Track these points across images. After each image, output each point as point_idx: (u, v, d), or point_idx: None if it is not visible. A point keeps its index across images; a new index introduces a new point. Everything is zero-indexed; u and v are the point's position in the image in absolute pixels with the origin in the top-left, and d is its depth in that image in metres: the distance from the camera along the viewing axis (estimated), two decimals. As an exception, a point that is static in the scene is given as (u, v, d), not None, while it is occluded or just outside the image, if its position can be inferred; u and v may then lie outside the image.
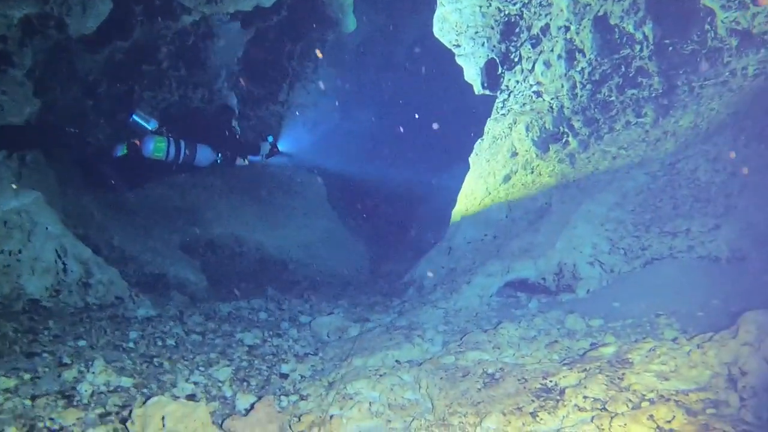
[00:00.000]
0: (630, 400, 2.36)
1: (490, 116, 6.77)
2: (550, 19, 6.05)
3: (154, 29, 7.31)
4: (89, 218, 7.02)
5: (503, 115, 6.55)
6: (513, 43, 6.47)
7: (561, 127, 5.99)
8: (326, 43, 9.24)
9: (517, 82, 6.44)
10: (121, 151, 7.27)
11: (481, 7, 6.33)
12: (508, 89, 6.53)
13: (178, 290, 7.16)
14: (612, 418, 2.26)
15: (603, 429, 2.24)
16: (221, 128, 8.27)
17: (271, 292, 7.90)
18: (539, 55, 6.19)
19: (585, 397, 2.59)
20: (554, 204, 5.54)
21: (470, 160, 6.75)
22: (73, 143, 7.31)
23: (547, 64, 6.07)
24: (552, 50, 6.04)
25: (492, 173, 6.22)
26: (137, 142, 7.15)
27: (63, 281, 4.95)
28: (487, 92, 6.68)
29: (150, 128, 7.35)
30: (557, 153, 5.86)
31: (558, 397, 2.71)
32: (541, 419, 2.59)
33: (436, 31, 6.67)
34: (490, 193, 6.14)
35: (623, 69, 5.87)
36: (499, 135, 6.43)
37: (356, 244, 9.72)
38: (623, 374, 2.60)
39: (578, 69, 5.95)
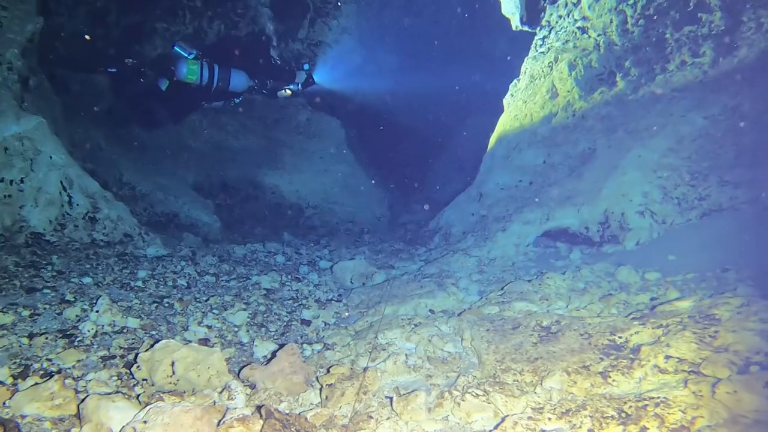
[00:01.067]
0: (733, 363, 1.94)
1: (527, 55, 6.21)
2: (602, -54, 5.41)
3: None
4: (98, 151, 6.59)
5: (542, 53, 5.97)
6: (558, -26, 5.84)
7: (608, 67, 5.42)
8: (350, -23, 8.58)
9: (560, 17, 5.84)
10: (164, 84, 7.13)
11: (524, -69, 5.69)
12: (549, 25, 5.93)
13: (190, 231, 6.79)
14: (714, 384, 1.84)
15: (702, 396, 1.82)
16: (257, 55, 7.91)
17: (287, 237, 7.52)
18: (587, -14, 5.57)
19: (668, 357, 2.17)
20: (599, 149, 5.03)
21: (504, 101, 6.21)
22: (129, 75, 7.21)
23: (596, -3, 5.46)
24: (602, -19, 5.42)
25: (529, 115, 5.69)
26: (173, 68, 6.99)
27: (68, 215, 4.54)
28: (526, 28, 6.08)
29: (189, 57, 7.16)
30: (603, 94, 5.31)
31: (632, 356, 2.29)
32: (614, 380, 2.18)
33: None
34: (526, 137, 5.63)
35: (681, 3, 5.27)
36: (537, 74, 5.87)
37: (375, 191, 9.27)
38: (716, 332, 2.17)
39: (630, 2, 5.34)
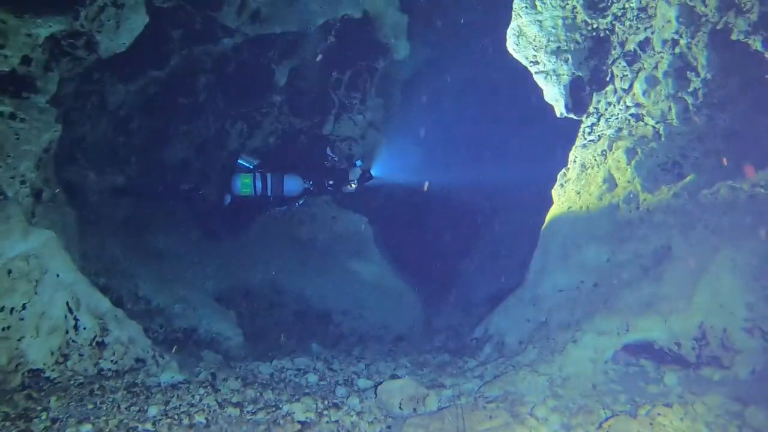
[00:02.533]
0: None
1: (574, 143, 5.73)
2: (652, 33, 5.03)
3: (193, 55, 6.49)
4: (113, 264, 6.07)
5: (592, 141, 5.48)
6: (603, 60, 5.45)
7: (671, 156, 4.89)
8: (376, 72, 8.37)
9: (609, 103, 5.39)
10: (227, 199, 7.48)
11: (565, 19, 5.35)
12: (597, 112, 5.48)
13: (210, 347, 6.12)
14: None
15: None
16: (310, 157, 8.11)
17: (316, 348, 6.81)
18: (638, 73, 5.15)
19: None
20: (676, 247, 4.39)
21: (553, 192, 5.66)
22: (193, 198, 7.57)
23: (651, 83, 5.02)
24: (656, 67, 4.99)
25: (585, 207, 5.11)
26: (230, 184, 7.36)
27: (73, 342, 3.92)
28: (572, 116, 5.63)
29: (251, 167, 7.48)
30: (671, 186, 4.74)
31: None
32: None
33: (511, 45, 5.70)
34: (584, 231, 5.02)
35: (749, 93, 4.80)
36: (590, 163, 5.35)
37: (407, 292, 8.59)
38: None
39: (690, 90, 4.89)
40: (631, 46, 5.20)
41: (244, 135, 8.01)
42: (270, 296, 8.06)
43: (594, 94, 5.48)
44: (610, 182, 5.04)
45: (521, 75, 6.88)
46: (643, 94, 5.04)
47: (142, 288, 6.22)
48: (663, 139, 4.93)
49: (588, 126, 5.53)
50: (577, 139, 5.64)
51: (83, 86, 5.73)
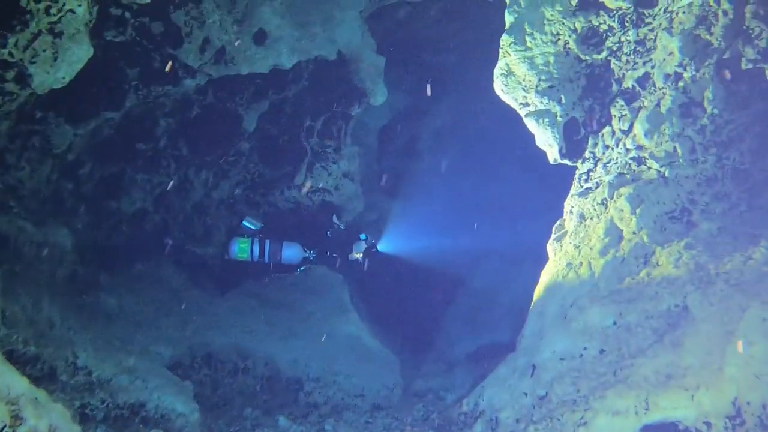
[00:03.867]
0: None
1: (569, 192, 5.21)
2: (652, 67, 4.60)
3: (151, 95, 5.92)
4: (48, 329, 5.28)
5: (590, 189, 4.96)
6: (598, 100, 5.00)
7: (680, 203, 4.37)
8: (351, 118, 7.88)
9: (607, 147, 4.90)
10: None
11: (557, 55, 4.92)
12: (594, 156, 4.98)
13: (159, 426, 5.30)
14: None
15: None
16: (316, 224, 8.08)
17: (284, 423, 6.02)
18: (638, 112, 4.70)
19: None
20: (694, 307, 3.80)
21: (549, 247, 5.08)
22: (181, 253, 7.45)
23: (653, 122, 4.55)
24: (658, 105, 4.54)
25: (586, 263, 4.53)
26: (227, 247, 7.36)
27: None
28: (566, 162, 5.13)
29: (256, 229, 7.45)
30: (682, 237, 4.20)
31: None
32: None
33: (499, 86, 5.23)
34: (586, 291, 4.43)
35: (758, 128, 4.37)
36: (588, 214, 4.81)
37: (385, 354, 7.85)
38: None
39: (696, 127, 4.44)
40: (629, 83, 4.75)
41: (210, 185, 7.39)
42: (234, 361, 7.24)
43: (590, 138, 5.00)
44: (613, 234, 4.49)
45: (506, 119, 6.48)
46: (645, 135, 4.56)
47: (82, 356, 5.40)
48: (669, 183, 4.42)
49: (584, 172, 5.02)
50: (573, 187, 5.12)
51: (20, 125, 5.10)
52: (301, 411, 6.72)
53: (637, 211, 4.38)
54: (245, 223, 7.44)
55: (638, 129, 4.60)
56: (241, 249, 7.24)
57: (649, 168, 4.56)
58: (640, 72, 4.69)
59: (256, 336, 7.44)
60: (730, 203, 4.26)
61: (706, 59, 4.35)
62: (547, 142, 5.05)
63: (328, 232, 7.87)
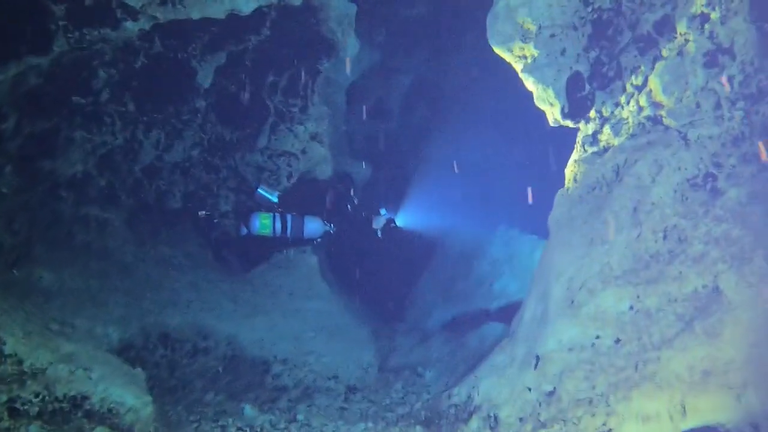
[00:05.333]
0: None
1: (572, 155, 4.54)
2: (672, 8, 3.92)
3: (85, 40, 4.95)
4: (-34, 316, 4.43)
5: (597, 153, 4.31)
6: (606, 50, 4.30)
7: (703, 168, 3.76)
8: (320, 74, 7.01)
9: (617, 104, 4.24)
10: (244, 231, 7.07)
11: (560, -2, 4.19)
12: (600, 116, 4.31)
13: (105, 422, 4.55)
14: None
15: None
16: (332, 201, 7.67)
17: (249, 413, 5.35)
18: (654, 63, 4.03)
19: None
20: (727, 288, 3.22)
21: (550, 220, 4.43)
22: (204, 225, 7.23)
23: (673, 75, 3.89)
24: (680, 54, 3.88)
25: (597, 240, 3.90)
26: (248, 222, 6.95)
27: None
28: (569, 123, 4.45)
29: (274, 201, 7.00)
30: (708, 207, 3.60)
31: None
32: None
33: (492, 36, 4.49)
34: (596, 271, 3.81)
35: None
36: (597, 182, 4.16)
37: (359, 330, 7.21)
38: None
39: (723, 79, 3.80)
40: (645, 29, 4.06)
41: (161, 146, 6.46)
42: (193, 341, 6.48)
43: (597, 94, 4.32)
44: (627, 206, 3.85)
45: (490, 75, 5.76)
46: (664, 90, 3.90)
47: (10, 342, 4.56)
48: (691, 145, 3.79)
49: (589, 135, 4.35)
50: (575, 151, 4.45)
51: None
52: (269, 395, 6.04)
53: (657, 178, 3.75)
54: (261, 191, 6.98)
55: (655, 83, 3.93)
56: (263, 225, 6.88)
57: (668, 128, 3.92)
58: (658, 15, 4.00)
59: (217, 313, 6.67)
60: (759, 165, 3.66)
61: (738, -1, 3.69)
62: (548, 101, 4.35)
63: (348, 206, 7.57)
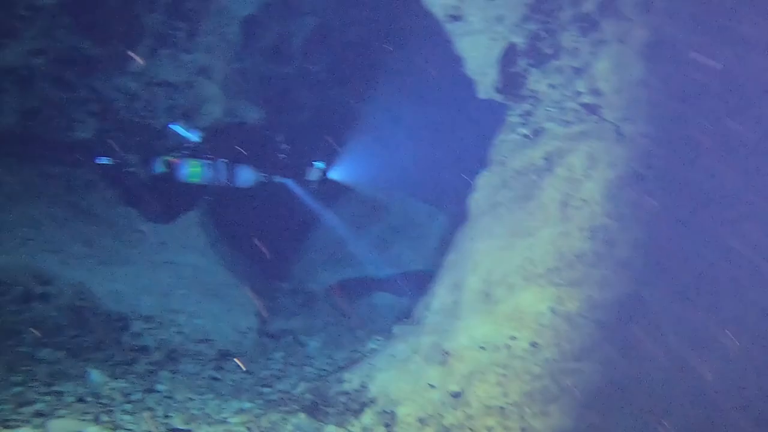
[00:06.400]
0: None
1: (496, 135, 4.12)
2: (622, -9, 3.56)
3: None
4: None
5: (527, 136, 3.92)
6: (545, 25, 3.87)
7: (636, 167, 3.51)
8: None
9: (552, 86, 3.85)
10: (159, 167, 6.12)
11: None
12: (534, 96, 3.91)
13: None
14: None
15: None
16: (263, 145, 7.03)
17: (97, 379, 4.49)
18: (597, 46, 3.67)
19: None
20: (649, 297, 3.03)
21: (470, 202, 4.00)
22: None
23: (614, 62, 3.56)
24: (622, 41, 3.55)
25: (522, 233, 3.53)
26: (173, 160, 6.07)
27: None
28: (498, 97, 4.00)
29: (193, 140, 6.18)
30: (634, 208, 3.36)
31: None
32: None
33: (427, -12, 3.86)
34: (516, 265, 3.47)
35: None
36: (525, 168, 3.77)
37: (238, 290, 6.49)
38: None
39: (661, 74, 3.54)
40: (587, 8, 3.67)
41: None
42: (27, 284, 5.32)
43: (532, 71, 3.89)
44: (555, 198, 3.52)
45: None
46: (604, 77, 3.57)
47: None
48: (627, 141, 3.52)
49: (519, 114, 3.94)
50: (503, 131, 4.03)
51: None
52: (124, 356, 5.18)
53: (589, 172, 3.44)
54: (176, 127, 6.22)
55: (600, 68, 3.58)
56: (192, 173, 6.16)
57: (602, 119, 3.61)
58: (605, -6, 3.62)
59: (63, 257, 5.55)
60: (682, 174, 3.49)
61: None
62: (480, 70, 3.85)
63: (280, 155, 6.96)
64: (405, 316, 6.84)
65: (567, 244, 3.36)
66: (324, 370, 5.38)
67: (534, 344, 3.18)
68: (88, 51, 5.58)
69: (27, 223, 5.59)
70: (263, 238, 8.02)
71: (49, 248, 5.53)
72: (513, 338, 3.24)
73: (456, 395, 3.19)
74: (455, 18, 3.88)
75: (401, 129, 8.16)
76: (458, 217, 8.29)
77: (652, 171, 3.46)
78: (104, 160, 6.09)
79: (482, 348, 3.28)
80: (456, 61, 4.01)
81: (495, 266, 3.47)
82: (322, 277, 7.75)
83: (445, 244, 8.25)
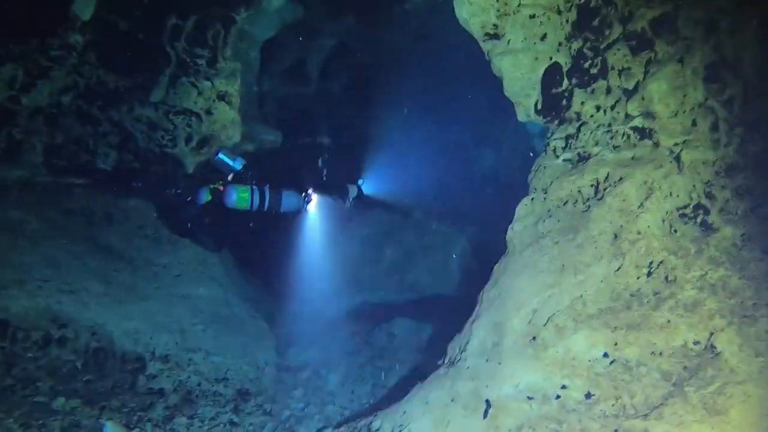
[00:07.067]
0: None
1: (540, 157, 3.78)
2: (675, 8, 3.25)
3: None
4: None
5: (568, 161, 3.58)
6: (592, 42, 3.56)
7: (694, 197, 3.14)
8: (234, 24, 5.74)
9: (598, 108, 3.52)
10: (205, 197, 5.98)
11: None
12: (578, 118, 3.58)
13: None
14: None
15: None
16: (308, 171, 7.02)
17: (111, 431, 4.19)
18: (647, 66, 3.35)
19: None
20: (725, 348, 2.63)
21: (509, 236, 3.65)
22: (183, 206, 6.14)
23: (670, 84, 3.23)
24: (680, 61, 3.22)
25: (570, 268, 3.17)
26: (220, 188, 5.94)
27: None
28: (540, 119, 3.68)
29: (236, 168, 6.09)
30: (701, 245, 2.99)
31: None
32: None
33: (462, 6, 3.58)
34: (566, 305, 3.10)
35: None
36: (570, 196, 3.43)
37: (255, 322, 6.18)
38: None
39: (724, 98, 3.19)
40: (639, 25, 3.36)
41: (20, 84, 4.93)
42: (46, 329, 5.11)
43: (575, 92, 3.57)
44: (607, 231, 3.16)
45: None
46: (659, 99, 3.23)
47: None
48: (685, 170, 3.16)
49: (561, 138, 3.61)
50: (544, 156, 3.70)
51: None
52: (141, 401, 4.89)
53: (646, 204, 3.08)
54: (221, 156, 6.07)
55: (653, 89, 3.24)
56: (241, 198, 6.03)
57: (657, 145, 3.26)
58: (657, 12, 3.31)
59: (80, 296, 5.32)
60: (753, 202, 3.11)
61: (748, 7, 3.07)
62: (522, 92, 3.54)
63: (324, 177, 6.96)
64: (426, 345, 6.47)
65: (622, 282, 2.98)
66: (346, 408, 5.03)
67: (588, 395, 2.79)
68: (112, 84, 5.43)
69: (46, 263, 5.39)
70: (278, 262, 7.73)
71: (67, 289, 5.33)
72: (564, 387, 2.86)
73: (503, 454, 2.80)
74: (493, 37, 3.58)
75: (413, 149, 7.90)
76: (476, 238, 7.94)
77: (714, 202, 3.08)
78: (170, 191, 6.02)
79: (530, 398, 2.90)
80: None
81: (541, 306, 3.10)
82: (338, 301, 7.45)
83: (465, 270, 7.92)
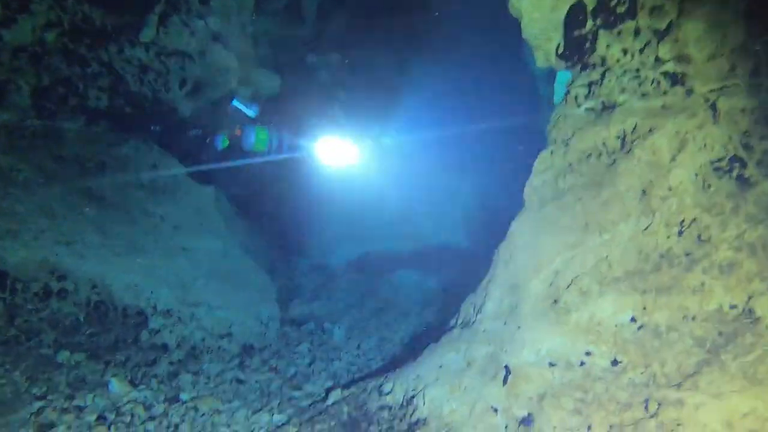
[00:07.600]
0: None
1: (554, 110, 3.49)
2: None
3: None
4: None
5: (591, 110, 3.29)
6: (621, -22, 3.19)
7: (730, 149, 2.88)
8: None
9: (625, 51, 3.20)
10: (222, 143, 5.95)
11: None
12: (603, 62, 3.26)
13: None
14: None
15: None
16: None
17: (117, 390, 4.09)
18: (683, 2, 3.01)
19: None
20: (765, 313, 2.45)
21: (528, 190, 3.40)
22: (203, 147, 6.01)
23: (707, 22, 2.90)
24: (723, -4, 2.88)
25: (594, 226, 2.95)
26: (238, 132, 5.87)
27: None
28: (561, 65, 3.36)
29: (251, 115, 6.03)
30: (738, 201, 2.75)
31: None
32: None
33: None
34: (590, 266, 2.89)
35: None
36: (593, 148, 3.16)
37: (258, 275, 6.01)
38: None
39: (765, 38, 2.88)
40: (675, -43, 2.99)
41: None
42: (44, 281, 4.93)
43: (600, 33, 3.24)
44: (635, 187, 2.92)
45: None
46: (695, 41, 2.91)
47: None
48: (721, 118, 2.89)
49: (584, 85, 3.30)
50: (564, 105, 3.40)
51: None
52: (144, 356, 4.78)
53: (678, 157, 2.82)
54: (236, 103, 5.99)
55: (686, 29, 2.91)
56: (260, 140, 5.97)
57: (690, 92, 2.96)
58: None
59: (78, 248, 5.12)
60: (792, 156, 2.85)
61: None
62: (543, 34, 3.20)
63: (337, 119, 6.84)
64: (432, 297, 6.35)
65: (651, 242, 2.77)
66: (353, 364, 4.94)
67: (615, 362, 2.63)
68: (98, 22, 5.00)
69: (41, 213, 5.15)
70: (279, 212, 7.53)
71: (63, 240, 5.10)
72: (588, 354, 2.69)
73: (525, 422, 2.67)
74: (511, -28, 3.21)
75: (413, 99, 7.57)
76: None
77: (752, 154, 2.82)
78: (195, 132, 5.83)
79: (552, 365, 2.74)
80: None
81: (563, 267, 2.89)
82: (340, 252, 7.30)
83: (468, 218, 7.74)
